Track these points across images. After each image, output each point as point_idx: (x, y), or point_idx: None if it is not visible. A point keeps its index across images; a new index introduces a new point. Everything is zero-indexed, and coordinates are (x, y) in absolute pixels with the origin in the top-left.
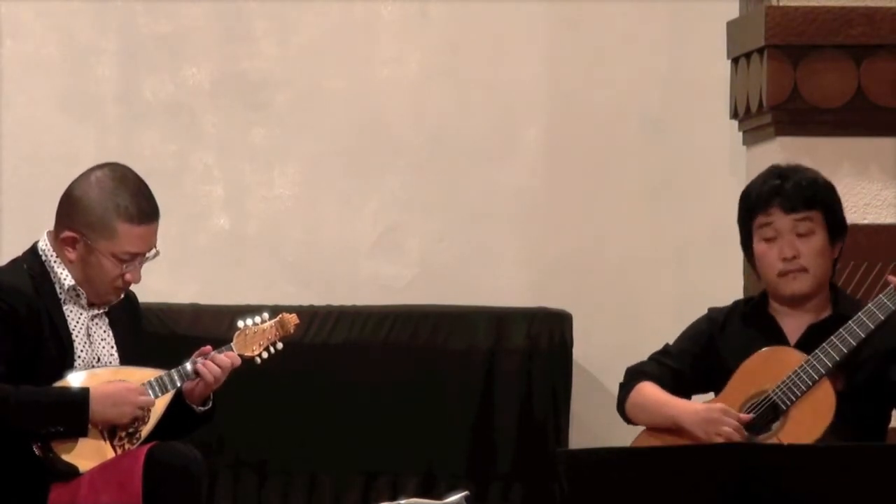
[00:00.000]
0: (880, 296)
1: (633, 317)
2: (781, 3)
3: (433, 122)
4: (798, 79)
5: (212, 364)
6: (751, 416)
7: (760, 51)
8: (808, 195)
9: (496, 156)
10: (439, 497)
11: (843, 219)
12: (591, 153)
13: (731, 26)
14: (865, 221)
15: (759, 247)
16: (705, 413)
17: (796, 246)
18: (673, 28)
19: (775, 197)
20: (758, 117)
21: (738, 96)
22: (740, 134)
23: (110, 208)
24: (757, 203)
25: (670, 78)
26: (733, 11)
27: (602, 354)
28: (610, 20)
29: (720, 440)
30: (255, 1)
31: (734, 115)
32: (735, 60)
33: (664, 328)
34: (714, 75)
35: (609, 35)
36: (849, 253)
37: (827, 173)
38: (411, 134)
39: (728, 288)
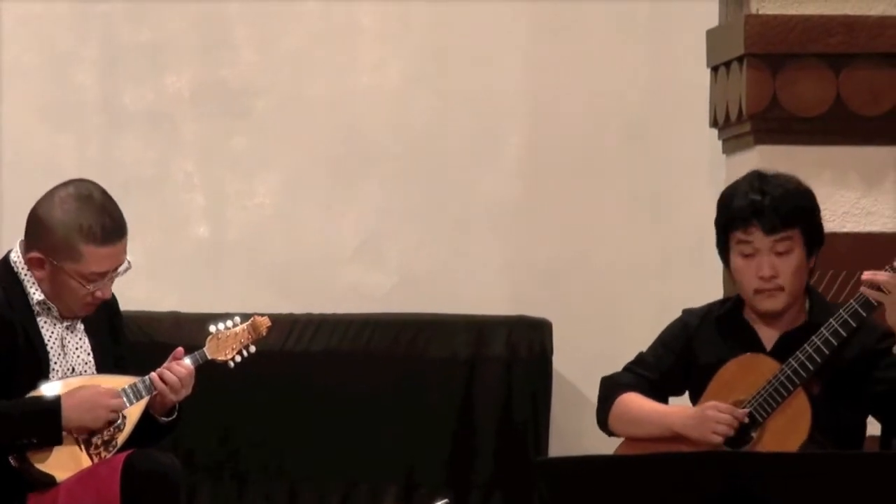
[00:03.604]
0: (851, 302)
1: (614, 325)
2: (761, 12)
3: (414, 130)
4: (777, 87)
5: (168, 374)
6: (746, 410)
7: (740, 59)
8: (789, 214)
9: (477, 164)
10: None
11: (820, 227)
12: (572, 161)
13: (711, 35)
14: (844, 230)
15: (736, 261)
16: (697, 414)
17: (775, 265)
18: (653, 36)
19: (755, 216)
20: (737, 126)
21: (718, 105)
22: (720, 142)
23: (74, 230)
24: (736, 218)
25: (650, 86)
26: (713, 20)
27: (582, 363)
28: (591, 29)
29: (718, 439)
30: (235, 9)
31: (714, 123)
32: (714, 69)
33: (644, 336)
34: (693, 84)
35: (590, 43)
36: (827, 261)
37: (806, 182)
38: (392, 142)
39: (708, 296)
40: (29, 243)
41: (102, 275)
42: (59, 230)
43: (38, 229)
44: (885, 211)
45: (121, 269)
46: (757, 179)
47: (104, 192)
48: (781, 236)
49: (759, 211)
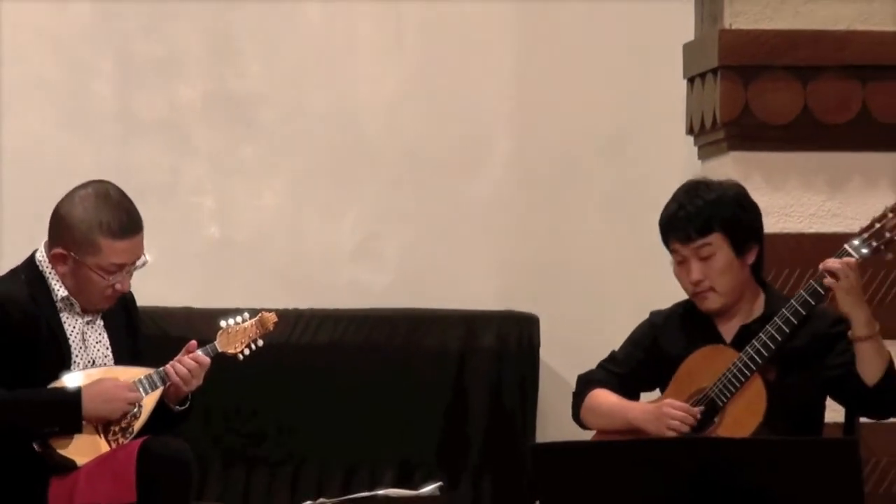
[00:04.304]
0: (800, 291)
1: (596, 319)
2: (734, 27)
3: (408, 139)
4: (749, 97)
5: (179, 366)
6: (700, 408)
7: (714, 71)
8: (702, 222)
9: (467, 169)
10: (415, 487)
11: (750, 227)
12: (557, 166)
13: (687, 48)
14: (811, 231)
15: (674, 267)
16: (654, 410)
17: (701, 269)
18: (632, 50)
19: (671, 230)
20: (712, 133)
21: (694, 114)
22: (696, 149)
23: (93, 226)
24: (662, 232)
25: (630, 96)
26: (689, 34)
27: (567, 355)
28: (573, 43)
29: (671, 434)
30: (243, 25)
31: (690, 131)
32: (691, 80)
33: (624, 330)
34: (671, 94)
35: (572, 57)
36: (795, 261)
37: (775, 185)
38: (388, 149)
39: (680, 294)
40: (52, 241)
41: (121, 267)
42: (79, 227)
43: (59, 227)
44: (848, 213)
45: (138, 263)
46: (683, 192)
47: (120, 191)
48: (700, 244)
49: (673, 224)
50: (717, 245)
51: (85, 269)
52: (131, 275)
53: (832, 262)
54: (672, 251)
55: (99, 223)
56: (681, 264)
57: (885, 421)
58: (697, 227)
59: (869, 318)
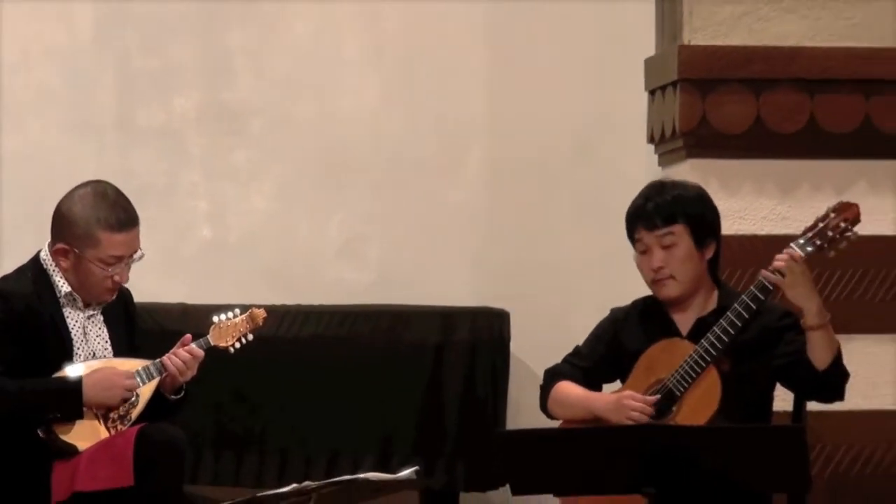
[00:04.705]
0: (750, 288)
1: (564, 315)
2: (692, 43)
3: (389, 146)
4: (706, 108)
5: (175, 358)
6: (656, 397)
7: (674, 84)
8: (668, 213)
9: (444, 175)
10: (393, 471)
11: (710, 224)
12: (528, 172)
13: (649, 63)
14: (763, 233)
15: (635, 258)
16: (615, 401)
17: (662, 257)
18: (598, 64)
19: (638, 218)
20: (671, 142)
21: (655, 124)
22: (656, 156)
23: (92, 221)
24: (628, 223)
25: (596, 107)
26: (650, 50)
27: (536, 348)
28: (544, 58)
29: (630, 423)
30: (235, 40)
31: (651, 140)
32: (652, 92)
33: (590, 325)
34: (634, 105)
35: (543, 71)
36: (747, 260)
37: (730, 191)
38: (370, 155)
39: (641, 290)
40: (54, 237)
41: (119, 259)
42: (80, 222)
43: (61, 223)
44: (798, 216)
45: (136, 256)
46: (649, 188)
47: (117, 189)
48: (664, 232)
49: (641, 213)
50: (680, 235)
51: (86, 262)
52: (129, 267)
53: (779, 261)
54: (636, 241)
55: (98, 218)
56: (644, 253)
57: (831, 409)
58: (663, 216)
59: (820, 309)
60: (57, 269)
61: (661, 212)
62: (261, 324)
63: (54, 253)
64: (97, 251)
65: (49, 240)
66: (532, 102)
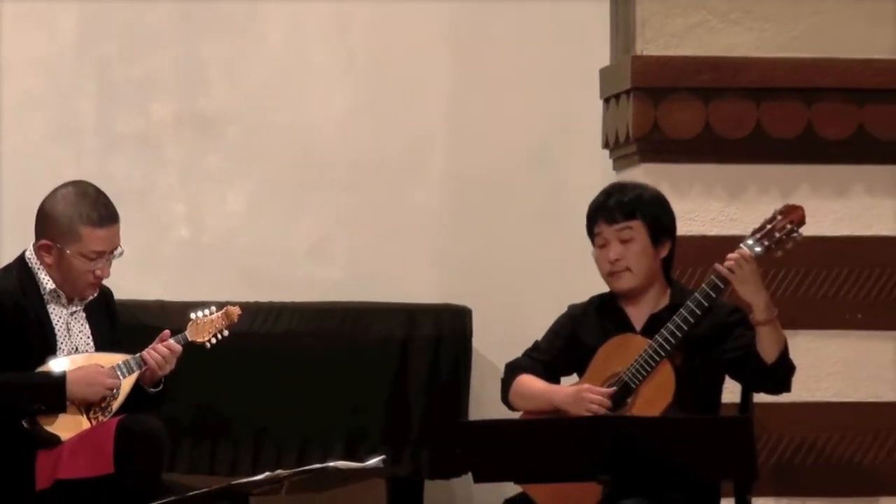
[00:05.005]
0: (703, 286)
1: (523, 313)
2: (644, 54)
3: (357, 151)
4: (658, 116)
5: (154, 353)
6: (613, 389)
7: (627, 92)
8: (627, 209)
9: (409, 179)
10: (361, 460)
11: (667, 223)
12: (488, 176)
13: (604, 72)
14: (712, 233)
15: (594, 252)
16: (574, 393)
17: (619, 250)
18: (554, 74)
19: (599, 213)
20: (625, 147)
21: (609, 130)
22: (611, 161)
23: (75, 217)
24: (589, 218)
25: (553, 114)
26: (605, 60)
27: (497, 344)
28: (503, 68)
29: (589, 414)
30: (210, 51)
31: (605, 145)
32: (606, 100)
33: (545, 322)
34: (589, 112)
35: (502, 80)
36: (698, 260)
37: (681, 194)
38: (338, 160)
39: (597, 288)
40: (38, 234)
41: (101, 254)
42: (62, 219)
43: (45, 220)
44: (745, 218)
45: (116, 252)
46: (611, 186)
47: (97, 188)
48: (622, 226)
49: (602, 208)
50: (637, 231)
51: (69, 257)
52: (110, 263)
53: (729, 260)
54: (596, 235)
55: (80, 215)
56: (602, 247)
57: (777, 401)
58: (623, 211)
59: (768, 304)
60: (41, 268)
61: (621, 207)
62: (236, 320)
63: (38, 249)
64: (79, 246)
65: (33, 240)
66: (492, 109)
